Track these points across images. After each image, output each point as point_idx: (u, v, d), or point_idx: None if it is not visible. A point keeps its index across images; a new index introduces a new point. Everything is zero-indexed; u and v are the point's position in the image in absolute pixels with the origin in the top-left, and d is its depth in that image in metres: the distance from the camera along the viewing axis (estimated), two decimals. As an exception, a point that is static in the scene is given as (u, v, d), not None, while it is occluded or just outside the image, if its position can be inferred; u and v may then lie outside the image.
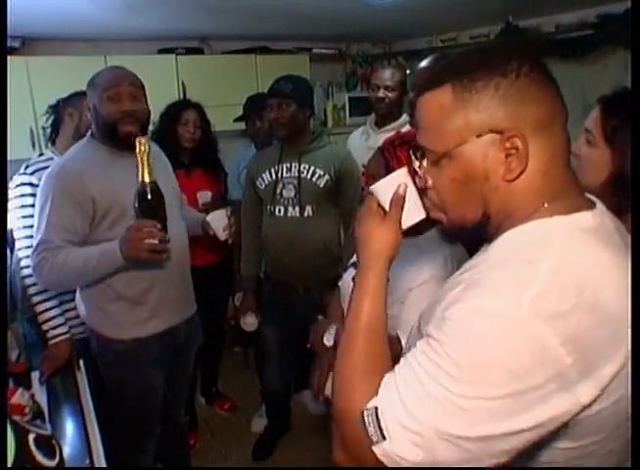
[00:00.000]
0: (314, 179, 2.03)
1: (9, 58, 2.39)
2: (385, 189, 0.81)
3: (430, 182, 0.73)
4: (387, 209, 0.80)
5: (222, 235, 1.80)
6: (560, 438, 0.63)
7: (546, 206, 0.67)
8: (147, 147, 1.41)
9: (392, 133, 1.33)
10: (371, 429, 0.62)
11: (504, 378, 0.57)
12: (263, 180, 2.10)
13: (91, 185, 1.50)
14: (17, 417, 0.67)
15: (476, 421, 0.58)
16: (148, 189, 1.44)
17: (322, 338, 1.38)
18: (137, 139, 1.40)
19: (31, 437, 0.67)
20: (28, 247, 1.63)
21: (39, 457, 0.66)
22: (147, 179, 1.44)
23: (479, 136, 0.66)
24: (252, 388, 2.74)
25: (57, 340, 1.67)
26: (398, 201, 0.79)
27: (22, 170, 1.77)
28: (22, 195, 1.72)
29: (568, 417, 0.59)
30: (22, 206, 1.71)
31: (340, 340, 0.77)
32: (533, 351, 0.57)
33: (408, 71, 2.56)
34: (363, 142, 2.38)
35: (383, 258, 0.80)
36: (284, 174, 2.06)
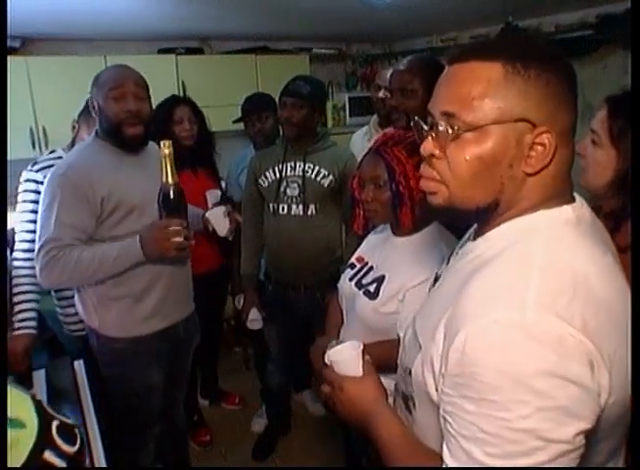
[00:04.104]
0: (319, 179, 2.03)
1: (9, 58, 2.40)
2: (347, 363, 0.93)
3: (437, 152, 0.70)
4: (358, 374, 0.92)
5: (222, 231, 1.80)
6: None
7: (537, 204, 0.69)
8: (171, 150, 1.46)
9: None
10: None
11: (548, 382, 0.56)
12: (267, 178, 2.10)
13: (99, 184, 1.50)
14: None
15: (547, 435, 0.57)
16: (171, 189, 1.48)
17: (322, 355, 1.38)
18: (162, 142, 1.45)
19: (55, 423, 0.71)
20: (22, 241, 1.74)
21: (59, 442, 0.70)
22: (170, 180, 1.47)
23: (516, 121, 0.65)
24: (253, 388, 2.74)
25: (19, 332, 1.68)
26: (371, 365, 0.93)
27: (29, 167, 1.84)
28: (26, 190, 1.80)
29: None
30: (24, 201, 1.80)
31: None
32: (558, 345, 0.57)
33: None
34: (366, 143, 2.38)
35: (381, 398, 0.87)
36: (288, 173, 2.05)
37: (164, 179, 1.48)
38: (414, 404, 0.78)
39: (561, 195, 0.70)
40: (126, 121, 1.52)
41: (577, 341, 0.58)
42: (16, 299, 1.70)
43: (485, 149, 0.66)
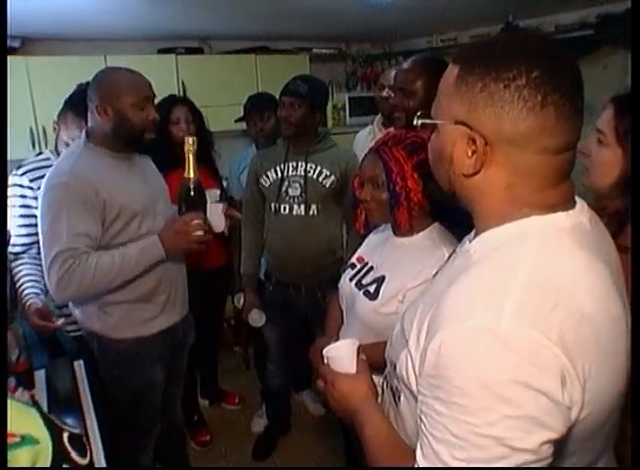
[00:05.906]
0: (320, 179, 2.03)
1: (9, 58, 2.40)
2: (343, 360, 0.95)
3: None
4: (352, 371, 0.94)
5: (218, 227, 1.80)
6: None
7: (525, 210, 0.67)
8: (195, 146, 1.51)
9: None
10: None
11: (517, 392, 0.56)
12: (268, 178, 2.10)
13: (101, 190, 1.48)
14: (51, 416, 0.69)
15: (513, 443, 0.57)
16: (193, 184, 1.51)
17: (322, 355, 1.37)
18: (186, 138, 1.49)
19: (65, 435, 0.69)
20: (14, 244, 1.79)
21: (74, 455, 0.68)
22: (192, 175, 1.51)
23: (455, 123, 0.68)
24: (253, 388, 2.75)
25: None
26: (365, 363, 0.95)
27: (14, 171, 1.82)
28: (13, 195, 1.80)
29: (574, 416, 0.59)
30: (13, 206, 1.79)
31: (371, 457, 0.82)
32: (532, 356, 0.57)
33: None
34: (369, 142, 2.38)
35: (371, 396, 0.89)
36: (290, 173, 2.05)
37: (187, 174, 1.51)
38: (399, 398, 0.79)
39: (551, 202, 0.67)
40: (148, 130, 1.56)
41: (552, 354, 0.57)
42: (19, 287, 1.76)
43: (434, 142, 0.74)
